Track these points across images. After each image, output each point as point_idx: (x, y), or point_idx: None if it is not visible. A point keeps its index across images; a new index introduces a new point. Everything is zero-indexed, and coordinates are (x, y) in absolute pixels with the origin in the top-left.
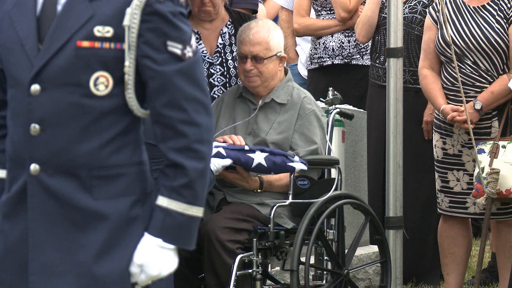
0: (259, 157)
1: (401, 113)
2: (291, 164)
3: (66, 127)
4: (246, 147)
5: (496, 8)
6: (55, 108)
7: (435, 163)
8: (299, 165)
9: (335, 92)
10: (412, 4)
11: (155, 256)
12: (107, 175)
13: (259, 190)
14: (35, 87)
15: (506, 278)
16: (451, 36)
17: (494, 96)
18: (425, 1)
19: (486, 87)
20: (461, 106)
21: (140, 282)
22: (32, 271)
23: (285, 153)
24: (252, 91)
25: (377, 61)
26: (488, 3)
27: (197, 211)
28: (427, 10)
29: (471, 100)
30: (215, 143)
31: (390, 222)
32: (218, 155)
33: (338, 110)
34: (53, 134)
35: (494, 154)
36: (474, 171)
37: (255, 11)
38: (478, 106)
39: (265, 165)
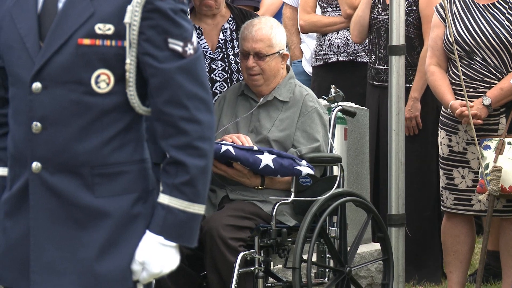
0: (267, 159)
1: (403, 111)
2: (298, 167)
3: (67, 125)
4: (255, 148)
5: (506, 6)
6: (56, 106)
7: (440, 160)
8: (306, 169)
9: (337, 89)
10: None
11: (156, 254)
12: (108, 173)
13: (260, 187)
14: (37, 85)
15: (510, 276)
16: (459, 33)
17: (503, 92)
18: (411, 0)
19: (495, 83)
20: (470, 101)
21: (142, 280)
22: (34, 269)
23: (293, 156)
24: (254, 90)
25: (370, 61)
26: (497, 1)
27: (199, 209)
28: (434, 8)
29: (481, 96)
30: (224, 142)
31: (392, 219)
32: (228, 154)
33: (340, 107)
34: (54, 132)
35: (499, 150)
36: (478, 168)
37: (257, 8)
38: (487, 102)
39: (273, 167)
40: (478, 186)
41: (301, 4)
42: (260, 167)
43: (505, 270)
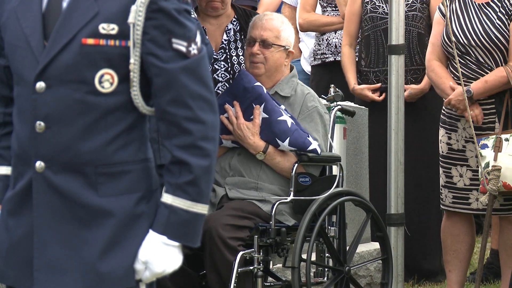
0: (287, 118)
1: (403, 110)
2: (310, 139)
3: (71, 124)
4: (283, 106)
5: (499, 5)
6: (60, 105)
7: (440, 158)
8: (315, 145)
9: (337, 89)
10: (410, 2)
11: (159, 253)
12: (112, 172)
13: (261, 152)
14: (40, 84)
15: (509, 275)
16: (454, 32)
17: (487, 85)
18: None
19: None
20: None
21: (145, 279)
22: (37, 268)
23: (308, 133)
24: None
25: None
26: (491, 0)
27: (202, 208)
28: (437, 6)
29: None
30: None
31: (392, 219)
32: (260, 90)
33: (339, 107)
34: (58, 131)
35: (498, 148)
36: (476, 167)
37: (255, 8)
38: (468, 94)
39: (288, 125)
40: (481, 186)
41: (301, 2)
42: (278, 118)
43: (504, 269)
